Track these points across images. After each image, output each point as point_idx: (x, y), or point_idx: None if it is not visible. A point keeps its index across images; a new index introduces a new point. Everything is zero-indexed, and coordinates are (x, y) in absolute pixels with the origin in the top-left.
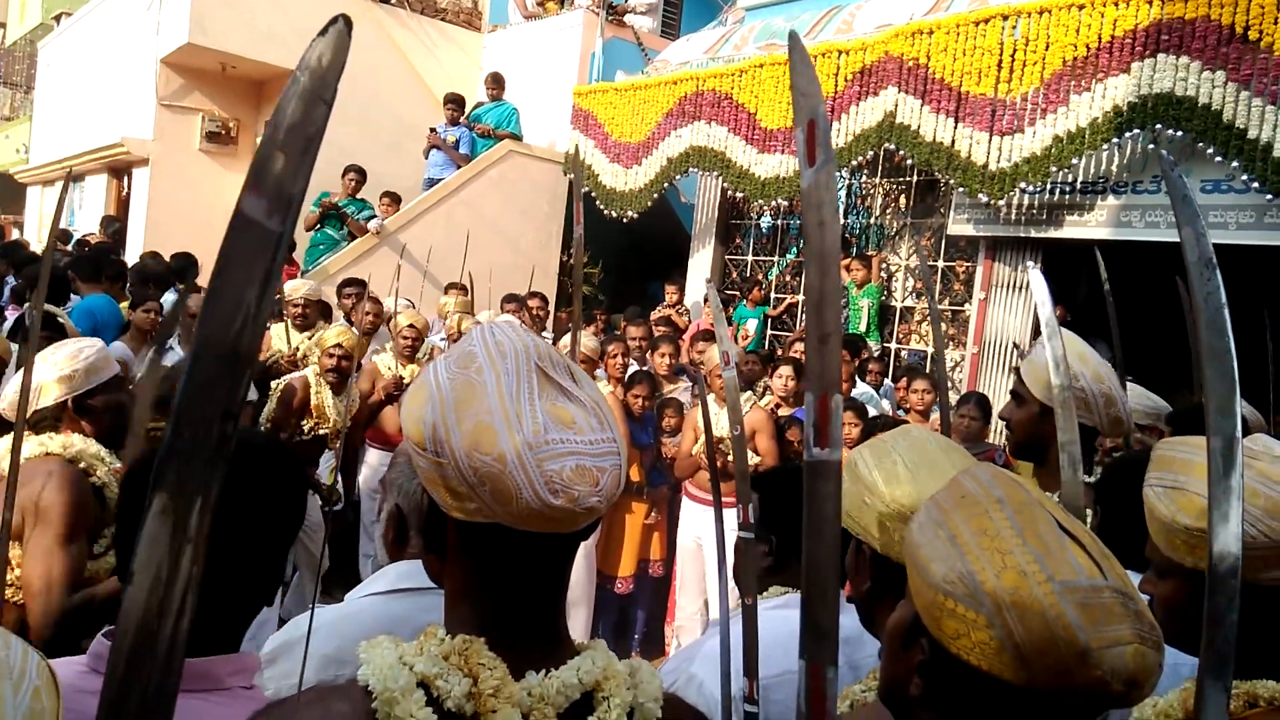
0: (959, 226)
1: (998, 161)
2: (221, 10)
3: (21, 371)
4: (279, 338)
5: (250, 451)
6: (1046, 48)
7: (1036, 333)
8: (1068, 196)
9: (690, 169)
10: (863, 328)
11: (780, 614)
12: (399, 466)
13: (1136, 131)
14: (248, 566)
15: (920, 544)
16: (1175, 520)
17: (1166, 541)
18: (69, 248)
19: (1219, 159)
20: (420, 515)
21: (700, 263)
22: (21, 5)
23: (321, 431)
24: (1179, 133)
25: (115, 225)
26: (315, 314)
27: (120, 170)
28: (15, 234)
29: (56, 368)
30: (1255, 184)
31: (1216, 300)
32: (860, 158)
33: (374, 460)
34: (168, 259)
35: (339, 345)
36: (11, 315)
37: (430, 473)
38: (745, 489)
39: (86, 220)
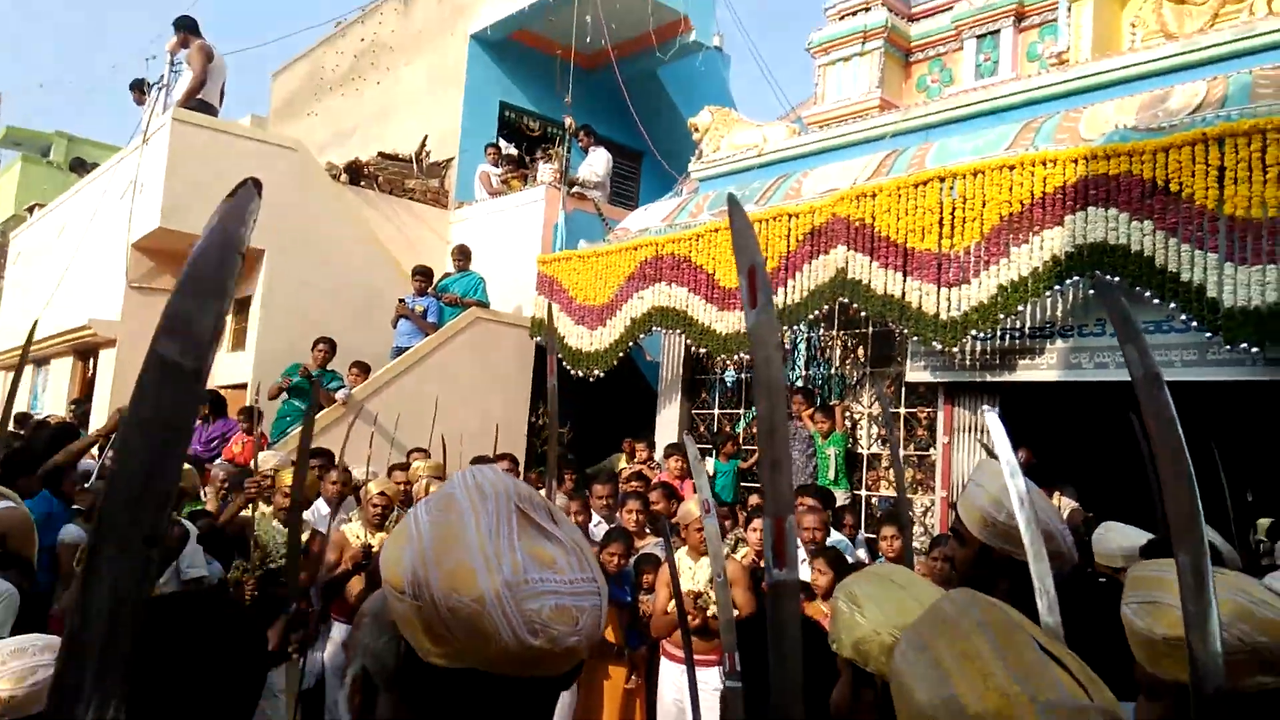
0: (917, 373)
1: (948, 311)
2: (193, 196)
3: None
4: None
5: (203, 609)
6: (984, 205)
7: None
8: (1018, 341)
9: (654, 328)
10: (831, 476)
11: None
12: (364, 627)
13: (1076, 278)
14: None
15: (903, 670)
16: (1152, 632)
17: (1149, 657)
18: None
19: (1156, 301)
20: (387, 675)
21: (668, 418)
22: None
23: (271, 565)
24: (1116, 278)
25: (83, 408)
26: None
27: (86, 352)
28: None
29: None
30: (1194, 323)
31: (1167, 414)
32: (816, 311)
33: (339, 636)
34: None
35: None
36: None
37: (408, 616)
38: (730, 639)
39: (50, 402)
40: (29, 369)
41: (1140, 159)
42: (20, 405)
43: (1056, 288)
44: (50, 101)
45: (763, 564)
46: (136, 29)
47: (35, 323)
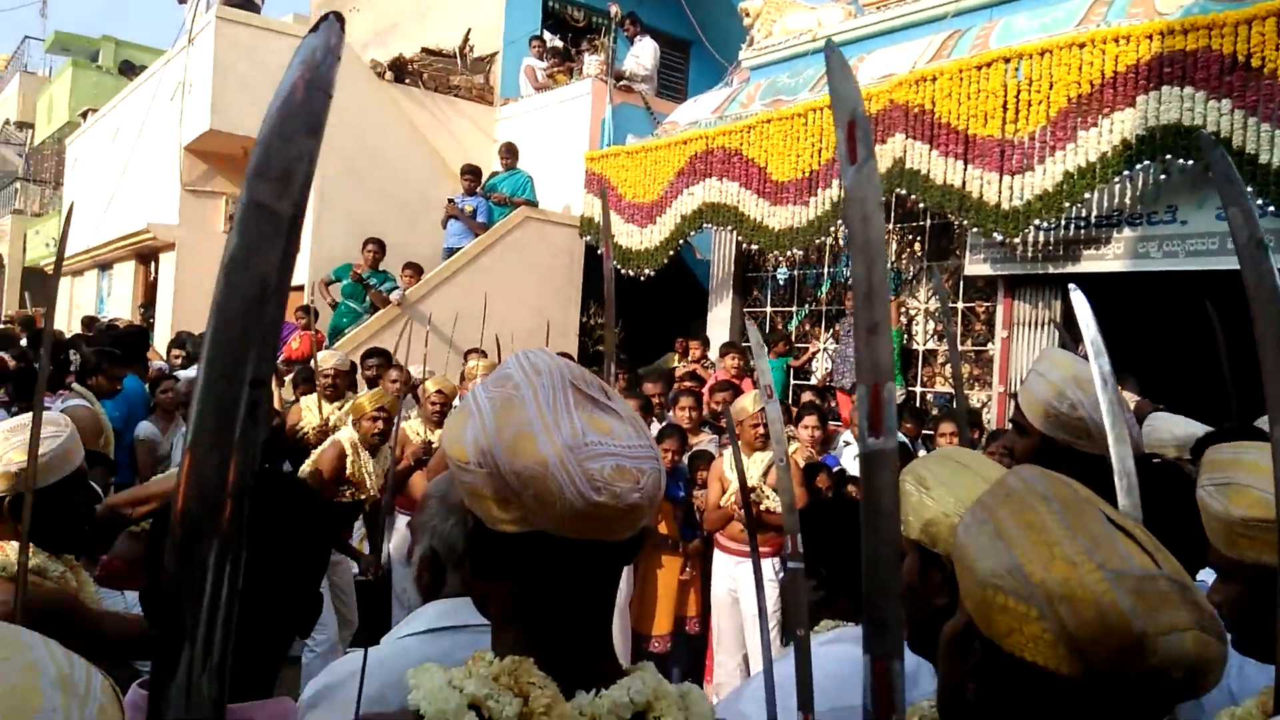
0: (976, 266)
1: (1010, 200)
2: (240, 96)
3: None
4: (310, 409)
5: (271, 485)
6: (1050, 87)
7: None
8: (1083, 231)
9: (704, 225)
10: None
11: (831, 649)
12: (428, 508)
13: (1147, 163)
14: (277, 604)
15: (966, 543)
16: (1229, 514)
17: (1225, 539)
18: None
19: None
20: (456, 555)
21: (719, 317)
22: (49, 105)
23: (362, 497)
24: (1189, 162)
25: (150, 312)
26: (344, 384)
27: (147, 256)
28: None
29: (3, 459)
30: (1270, 208)
31: (1270, 281)
32: None
33: (404, 527)
34: (197, 337)
35: (382, 409)
36: (49, 401)
37: (475, 487)
38: (793, 520)
39: (116, 306)
40: (93, 273)
41: (1220, 33)
42: (88, 309)
43: (1125, 173)
44: (95, 4)
45: (817, 457)
46: None
47: (66, 222)
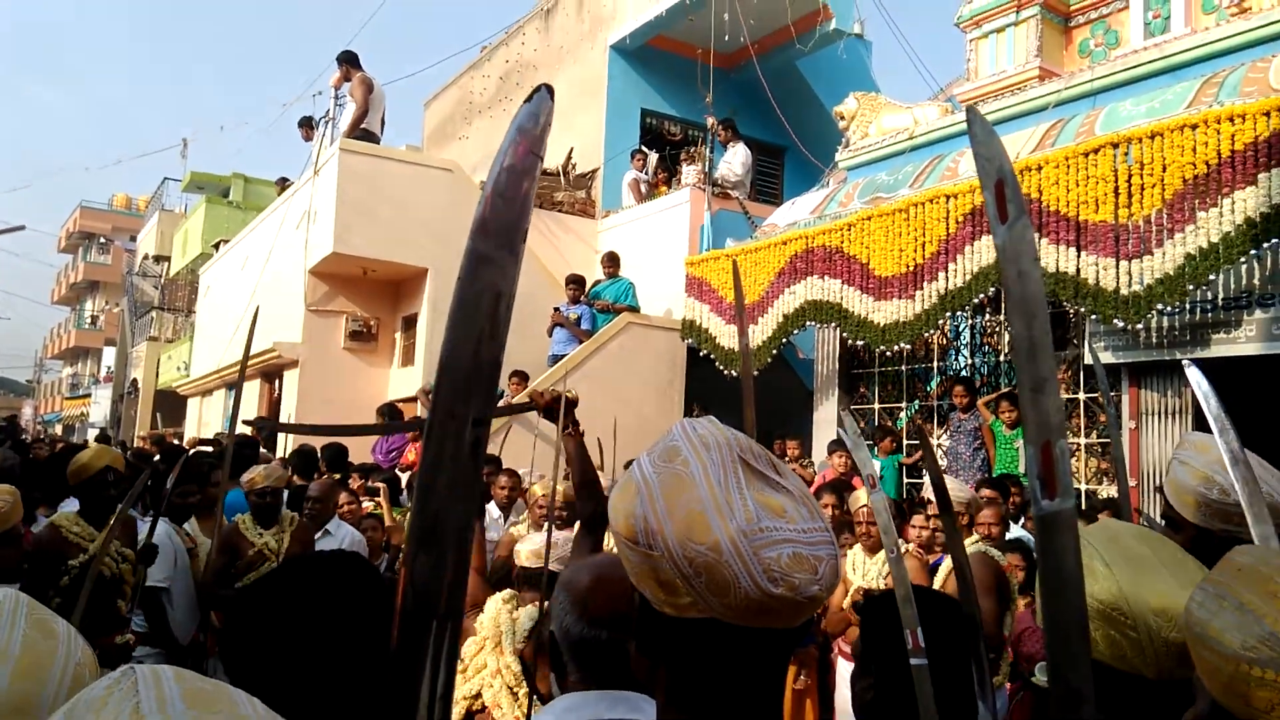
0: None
1: (1129, 285)
2: (361, 222)
3: None
4: None
5: (346, 570)
6: (1164, 169)
7: None
8: (1210, 314)
9: (807, 323)
10: (1022, 469)
11: None
12: (557, 597)
13: (1276, 241)
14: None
15: (1206, 620)
16: None
17: None
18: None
19: None
20: (569, 642)
21: (825, 416)
22: (184, 239)
23: None
24: None
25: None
26: None
27: (272, 374)
28: (175, 441)
29: None
30: None
31: None
32: (981, 295)
33: None
34: (319, 451)
35: None
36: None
37: (641, 567)
38: (910, 614)
39: (242, 425)
40: (221, 392)
41: None
42: (216, 425)
43: (1253, 253)
44: (231, 142)
45: (929, 559)
46: (304, 67)
47: (251, 329)
